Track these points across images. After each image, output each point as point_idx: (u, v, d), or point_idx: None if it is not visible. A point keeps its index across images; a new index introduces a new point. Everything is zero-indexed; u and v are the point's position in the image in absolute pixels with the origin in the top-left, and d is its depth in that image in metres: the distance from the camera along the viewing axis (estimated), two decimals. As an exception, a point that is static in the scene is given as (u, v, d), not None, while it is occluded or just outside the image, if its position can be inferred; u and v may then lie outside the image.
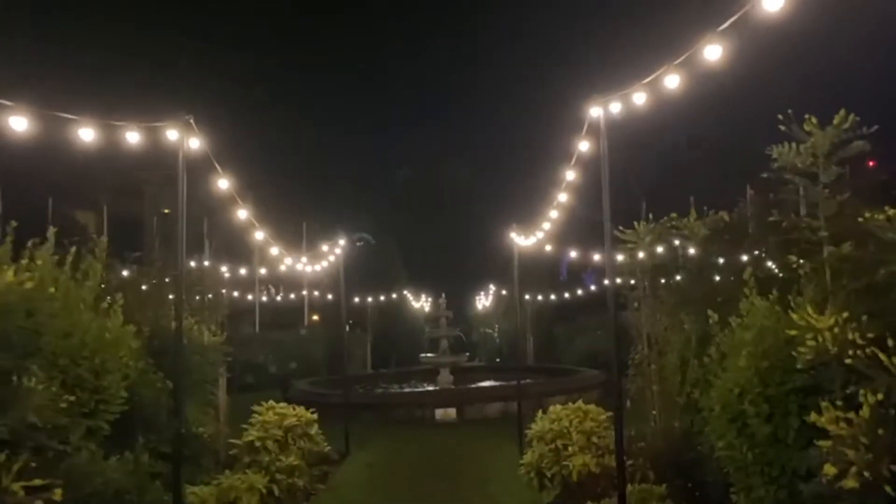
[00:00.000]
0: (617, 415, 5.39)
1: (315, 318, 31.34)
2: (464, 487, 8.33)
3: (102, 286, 6.19)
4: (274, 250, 10.27)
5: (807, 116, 4.56)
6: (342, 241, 10.46)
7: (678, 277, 7.34)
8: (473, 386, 17.78)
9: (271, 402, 7.24)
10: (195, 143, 5.61)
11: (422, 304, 34.58)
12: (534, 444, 6.82)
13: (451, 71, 59.99)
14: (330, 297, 30.30)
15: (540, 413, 7.26)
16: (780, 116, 4.60)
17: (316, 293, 28.28)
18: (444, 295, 19.04)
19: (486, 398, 14.77)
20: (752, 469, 4.72)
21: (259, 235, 9.70)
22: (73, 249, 5.77)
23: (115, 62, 31.42)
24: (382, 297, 29.18)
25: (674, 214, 7.35)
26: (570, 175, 7.70)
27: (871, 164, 5.08)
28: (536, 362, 27.23)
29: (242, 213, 9.40)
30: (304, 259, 10.83)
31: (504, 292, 30.17)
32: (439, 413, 14.13)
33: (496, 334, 34.15)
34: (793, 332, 4.18)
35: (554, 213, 9.67)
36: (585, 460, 6.07)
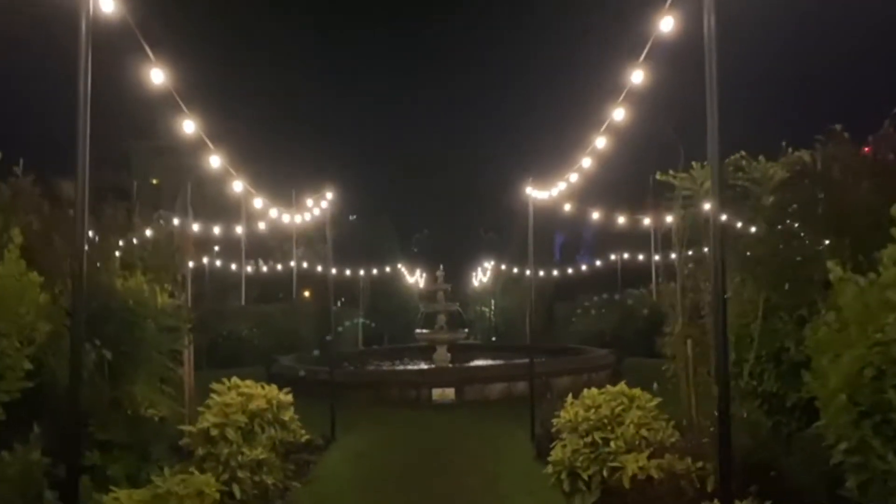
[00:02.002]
0: (721, 406, 3.97)
1: (307, 293, 30.17)
2: (469, 487, 6.96)
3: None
4: (259, 203, 8.81)
5: None
6: (329, 195, 9.01)
7: (752, 229, 5.91)
8: (474, 364, 16.41)
9: (234, 380, 5.83)
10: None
11: (416, 279, 33.19)
12: (564, 436, 5.43)
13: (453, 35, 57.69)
14: (320, 268, 28.92)
15: (570, 398, 5.86)
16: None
17: (305, 264, 26.87)
18: (442, 267, 17.60)
19: (490, 378, 13.39)
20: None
21: (246, 192, 8.25)
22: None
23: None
24: (375, 272, 27.79)
25: (741, 153, 5.90)
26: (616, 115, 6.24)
27: None
28: (535, 341, 25.88)
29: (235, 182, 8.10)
30: (292, 215, 9.36)
31: (503, 266, 28.80)
32: (436, 393, 12.77)
33: (490, 312, 32.90)
34: None
35: (586, 160, 8.21)
36: (643, 462, 4.67)
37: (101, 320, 5.96)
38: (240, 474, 5.05)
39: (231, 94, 31.26)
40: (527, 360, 15.91)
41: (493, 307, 32.77)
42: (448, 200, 45.54)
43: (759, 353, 6.37)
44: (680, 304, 8.23)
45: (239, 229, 18.40)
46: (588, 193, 11.15)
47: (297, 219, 9.27)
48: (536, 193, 8.63)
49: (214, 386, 5.76)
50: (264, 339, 21.77)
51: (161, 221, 9.90)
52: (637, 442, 5.05)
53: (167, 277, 7.71)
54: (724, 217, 6.74)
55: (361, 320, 27.02)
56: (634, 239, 26.86)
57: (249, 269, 25.40)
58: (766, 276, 6.00)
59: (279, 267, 26.99)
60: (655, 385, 8.78)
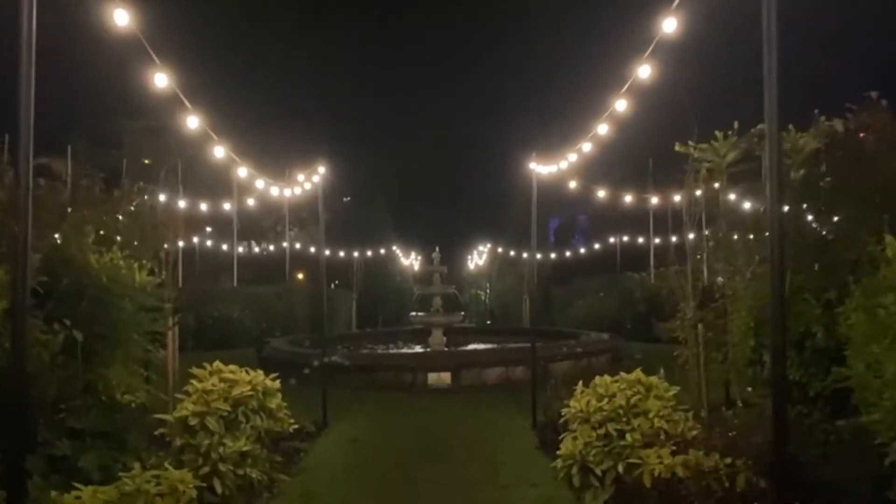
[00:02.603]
0: (776, 396, 3.52)
1: (300, 276, 29.77)
2: (469, 476, 6.56)
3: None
4: (245, 172, 8.30)
5: None
6: (322, 169, 8.53)
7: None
8: (471, 348, 16.01)
9: (217, 365, 5.38)
10: None
11: (411, 261, 32.72)
12: (575, 427, 5.01)
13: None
14: (313, 249, 28.44)
15: (580, 386, 5.43)
16: None
17: (298, 245, 26.40)
18: (437, 248, 17.11)
19: (487, 362, 12.99)
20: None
21: (233, 162, 7.76)
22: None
23: None
24: (370, 253, 27.31)
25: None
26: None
27: None
28: (533, 324, 25.52)
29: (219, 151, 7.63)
30: (281, 189, 8.84)
31: (500, 249, 28.37)
32: (432, 378, 12.37)
33: (486, 295, 32.53)
34: None
35: (587, 145, 7.82)
36: (666, 458, 4.25)
37: (72, 298, 5.50)
38: (221, 468, 4.62)
39: (222, 75, 30.54)
40: (525, 345, 15.61)
41: (488, 290, 32.40)
42: (445, 182, 45.00)
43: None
44: (690, 288, 7.83)
45: (228, 206, 17.79)
46: (589, 174, 10.70)
47: (288, 192, 8.76)
48: (540, 169, 8.17)
49: (195, 371, 5.31)
50: (256, 321, 21.35)
51: (146, 197, 9.42)
52: (657, 435, 4.64)
53: (148, 254, 7.26)
54: (731, 195, 6.34)
55: (355, 302, 26.59)
56: (633, 221, 26.49)
57: (241, 249, 24.87)
58: (791, 256, 5.58)
59: (271, 248, 26.48)
60: (662, 371, 8.40)
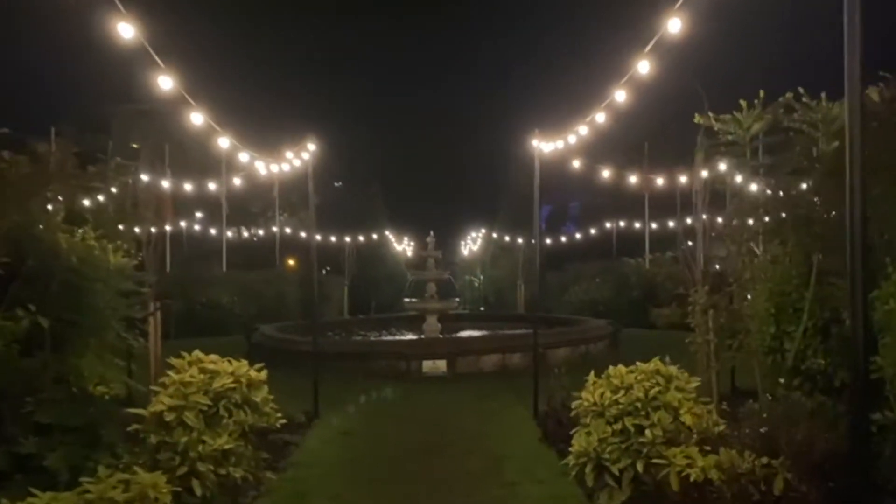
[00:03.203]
0: (856, 400, 3.11)
1: (291, 262, 29.35)
2: (470, 471, 6.17)
3: None
4: (227, 143, 7.83)
5: None
6: (311, 146, 8.05)
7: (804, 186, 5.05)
8: (467, 335, 15.62)
9: (196, 354, 4.93)
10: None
11: (404, 247, 32.29)
12: (589, 422, 4.60)
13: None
14: (303, 234, 27.96)
15: (591, 375, 5.02)
16: None
17: (288, 230, 25.92)
18: (432, 233, 16.66)
19: (483, 349, 12.59)
20: None
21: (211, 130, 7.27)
22: None
23: None
24: (362, 238, 26.86)
25: (796, 90, 5.01)
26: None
27: None
28: (534, 310, 25.15)
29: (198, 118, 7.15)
30: (268, 164, 8.34)
31: (494, 234, 27.96)
32: (427, 366, 11.97)
33: (478, 281, 32.17)
34: None
35: (583, 128, 7.42)
36: (697, 459, 3.84)
37: (38, 281, 5.05)
38: (201, 467, 4.20)
39: (210, 52, 29.84)
40: (521, 331, 15.26)
41: (481, 276, 32.05)
42: (439, 167, 44.46)
43: (805, 325, 5.59)
44: (700, 272, 7.43)
45: (213, 185, 17.24)
46: (590, 155, 10.28)
47: (276, 168, 8.25)
48: (543, 146, 7.73)
49: (173, 361, 4.87)
50: (246, 308, 20.89)
51: (126, 177, 8.95)
52: (679, 431, 4.25)
53: (125, 235, 6.81)
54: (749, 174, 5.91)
55: (347, 288, 26.17)
56: (627, 207, 26.15)
57: (230, 234, 24.35)
58: (818, 237, 5.18)
59: (261, 232, 25.98)
60: (667, 358, 8.03)
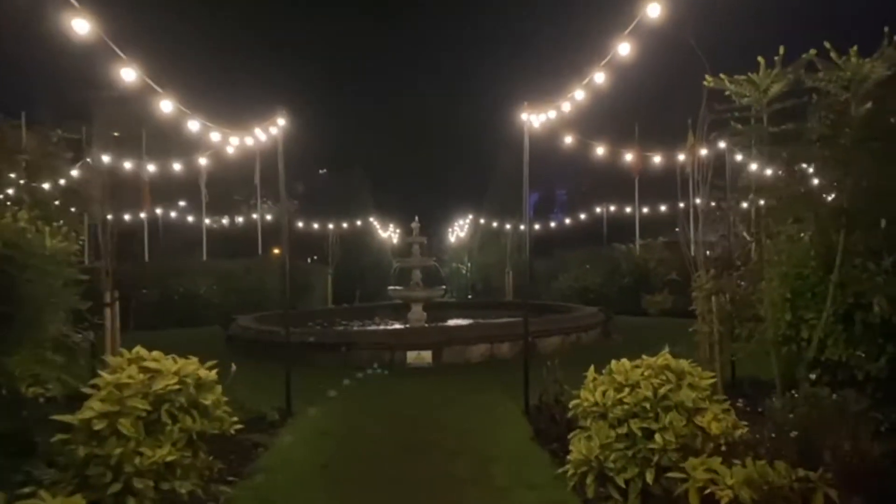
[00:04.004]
0: None
1: (276, 251, 28.67)
2: (456, 474, 5.61)
3: None
4: (200, 127, 7.20)
5: None
6: (282, 121, 7.38)
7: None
8: (453, 324, 15.05)
9: (137, 351, 4.29)
10: None
11: (389, 234, 31.63)
12: (589, 424, 4.03)
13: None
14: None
15: (591, 371, 4.44)
16: None
17: (269, 217, 25.21)
18: (417, 218, 16.02)
19: (470, 339, 12.03)
20: None
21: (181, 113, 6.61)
22: None
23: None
24: (345, 225, 26.18)
25: (820, 48, 4.42)
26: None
27: None
28: (523, 297, 24.60)
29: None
30: (239, 139, 7.65)
31: (482, 220, 27.36)
32: (411, 356, 11.40)
33: (466, 269, 31.60)
34: None
35: (579, 93, 6.82)
36: (720, 472, 3.26)
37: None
38: (137, 483, 3.59)
39: (185, 36, 28.96)
40: (509, 319, 14.67)
41: (469, 263, 31.48)
42: (425, 152, 43.65)
43: (825, 312, 5.04)
44: (701, 255, 6.87)
45: (187, 169, 16.52)
46: (582, 131, 9.69)
47: (246, 141, 7.56)
48: (532, 120, 7.11)
49: (109, 359, 4.24)
50: (225, 298, 20.18)
51: (88, 160, 8.31)
52: (695, 436, 3.68)
53: (73, 218, 6.17)
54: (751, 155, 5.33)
55: (330, 277, 25.51)
56: (617, 191, 25.64)
57: (209, 221, 23.60)
58: (843, 212, 4.62)
59: (240, 219, 25.26)
60: (667, 348, 7.50)
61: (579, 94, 6.56)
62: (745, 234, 6.40)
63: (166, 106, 7.41)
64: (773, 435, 3.59)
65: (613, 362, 4.26)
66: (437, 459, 6.07)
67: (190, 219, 24.31)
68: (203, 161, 8.71)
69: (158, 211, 22.79)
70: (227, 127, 8.21)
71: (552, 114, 6.86)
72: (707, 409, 3.81)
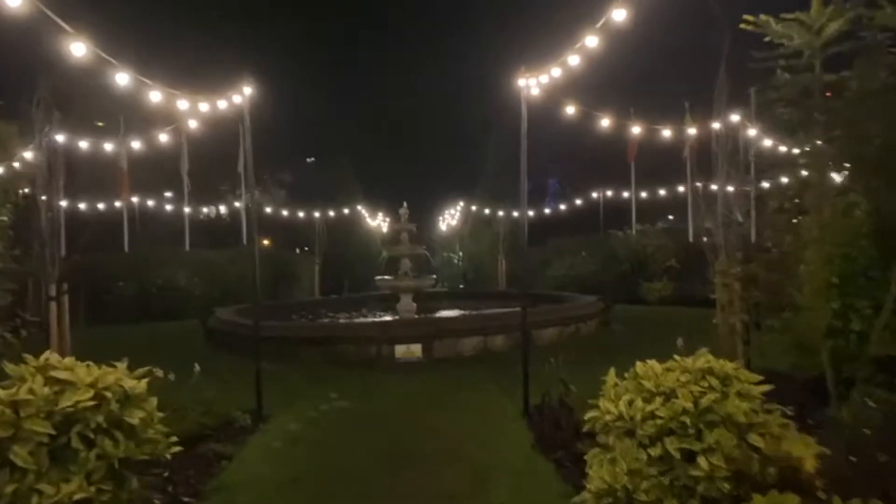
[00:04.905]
0: None
1: (266, 242, 27.85)
2: (448, 490, 4.85)
3: None
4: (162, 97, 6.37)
5: None
6: (248, 89, 6.53)
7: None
8: (444, 315, 14.28)
9: (46, 358, 3.46)
10: None
11: (379, 223, 30.79)
12: (611, 441, 3.25)
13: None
14: (269, 210, 26.43)
15: (611, 375, 3.64)
16: None
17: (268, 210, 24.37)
18: (405, 204, 15.20)
19: (463, 331, 11.26)
20: None
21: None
22: None
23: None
24: (332, 213, 25.32)
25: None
26: None
27: None
28: (509, 287, 24.03)
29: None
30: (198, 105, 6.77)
31: (474, 207, 26.55)
32: (400, 350, 10.62)
33: (457, 258, 30.84)
34: None
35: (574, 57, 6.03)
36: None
37: None
38: (35, 531, 2.79)
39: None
40: (504, 310, 13.89)
41: (460, 252, 30.70)
42: (414, 137, 42.76)
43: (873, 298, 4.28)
44: (723, 237, 6.10)
45: (135, 144, 15.59)
46: (581, 100, 8.87)
47: (204, 108, 6.68)
48: (531, 84, 6.30)
49: (8, 368, 3.40)
50: (207, 289, 19.33)
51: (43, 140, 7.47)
52: (750, 459, 2.91)
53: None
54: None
55: (318, 267, 24.69)
56: (611, 176, 24.92)
57: (188, 210, 22.69)
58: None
59: (220, 209, 24.37)
60: (680, 341, 6.73)
61: (587, 45, 5.75)
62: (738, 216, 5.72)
63: (122, 78, 6.59)
64: (853, 459, 2.84)
65: (639, 364, 3.48)
66: (427, 471, 5.31)
67: (169, 207, 23.38)
68: (165, 137, 7.75)
69: (135, 199, 21.84)
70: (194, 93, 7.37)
71: (555, 72, 6.05)
72: (760, 422, 3.04)
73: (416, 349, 10.69)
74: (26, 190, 7.54)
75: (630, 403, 3.23)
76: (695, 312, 16.36)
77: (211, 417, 6.63)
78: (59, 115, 7.02)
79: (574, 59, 6.30)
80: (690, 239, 21.61)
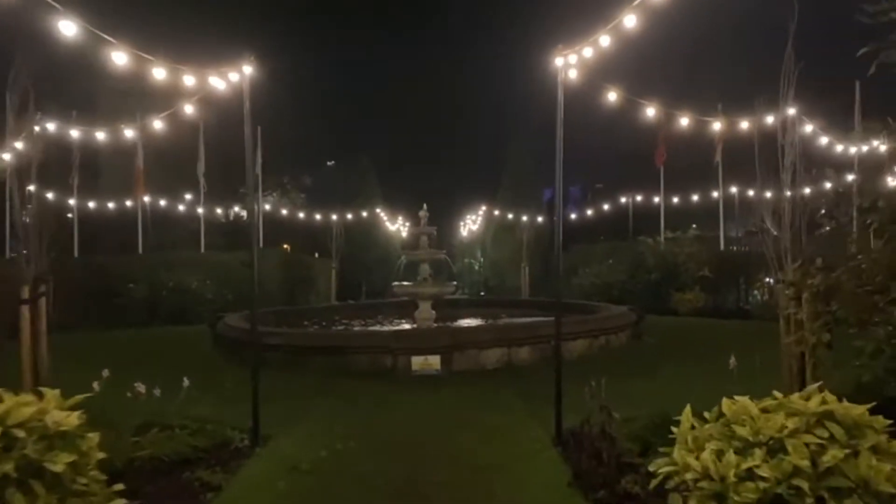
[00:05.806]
0: None
1: (286, 246, 27.36)
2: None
3: None
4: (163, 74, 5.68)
5: None
6: (248, 69, 5.80)
7: None
8: (465, 325, 13.48)
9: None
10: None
11: (398, 227, 30.06)
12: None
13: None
14: (284, 212, 25.86)
15: (686, 413, 2.80)
16: None
17: (268, 207, 23.79)
18: (425, 206, 14.40)
19: (485, 342, 10.44)
20: None
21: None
22: None
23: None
24: (350, 216, 24.65)
25: None
26: None
27: None
28: (532, 296, 23.19)
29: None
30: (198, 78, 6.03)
31: (496, 212, 25.73)
32: (417, 362, 9.84)
33: (478, 264, 30.03)
34: None
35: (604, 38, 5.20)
36: None
37: None
38: None
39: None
40: (528, 320, 13.06)
41: (482, 259, 29.89)
42: (436, 141, 42.07)
43: None
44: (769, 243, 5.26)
45: (128, 132, 14.94)
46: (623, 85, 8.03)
47: (209, 82, 5.92)
48: (569, 63, 5.48)
49: None
50: (219, 293, 18.70)
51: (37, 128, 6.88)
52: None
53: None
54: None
55: (335, 272, 24.00)
56: (640, 183, 24.03)
57: (201, 210, 22.15)
58: None
59: (238, 210, 23.83)
60: (733, 360, 5.93)
61: (627, 23, 4.95)
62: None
63: (119, 58, 5.88)
64: None
65: (725, 401, 2.63)
66: (445, 511, 4.50)
67: (181, 208, 22.88)
68: (154, 125, 7.01)
69: (147, 199, 21.33)
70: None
71: (603, 41, 5.21)
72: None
73: (435, 361, 9.90)
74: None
75: (719, 457, 2.40)
76: (731, 325, 15.47)
77: (203, 437, 5.89)
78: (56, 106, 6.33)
79: (610, 40, 5.50)
80: (721, 247, 20.62)
